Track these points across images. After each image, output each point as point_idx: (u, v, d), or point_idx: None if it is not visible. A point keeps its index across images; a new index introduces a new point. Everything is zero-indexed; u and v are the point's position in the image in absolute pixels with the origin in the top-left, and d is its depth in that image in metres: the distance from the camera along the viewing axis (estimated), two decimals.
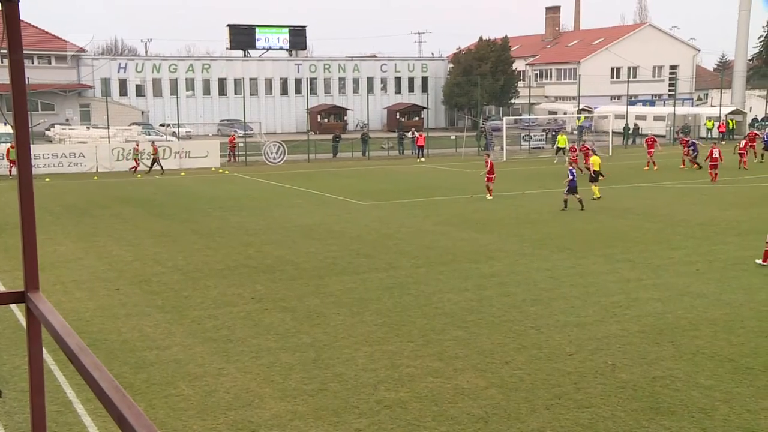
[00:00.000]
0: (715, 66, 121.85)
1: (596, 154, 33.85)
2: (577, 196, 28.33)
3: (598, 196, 30.94)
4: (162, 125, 70.46)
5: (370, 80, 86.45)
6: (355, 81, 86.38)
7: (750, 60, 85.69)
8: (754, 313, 14.78)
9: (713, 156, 36.57)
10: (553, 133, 61.54)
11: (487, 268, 19.07)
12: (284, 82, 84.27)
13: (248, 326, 14.45)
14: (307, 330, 14.17)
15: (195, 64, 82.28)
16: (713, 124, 65.78)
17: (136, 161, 44.46)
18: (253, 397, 11.02)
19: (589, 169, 32.19)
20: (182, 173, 44.49)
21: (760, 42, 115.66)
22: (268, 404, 10.79)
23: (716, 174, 36.19)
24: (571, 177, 28.30)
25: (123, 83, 78.63)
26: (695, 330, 13.80)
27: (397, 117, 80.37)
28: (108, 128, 51.28)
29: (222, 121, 77.18)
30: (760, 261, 18.79)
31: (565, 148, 47.20)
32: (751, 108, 76.41)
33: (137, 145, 45.71)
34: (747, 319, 14.44)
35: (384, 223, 26.08)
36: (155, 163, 44.28)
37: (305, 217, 27.59)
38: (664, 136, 61.00)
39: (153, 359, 12.65)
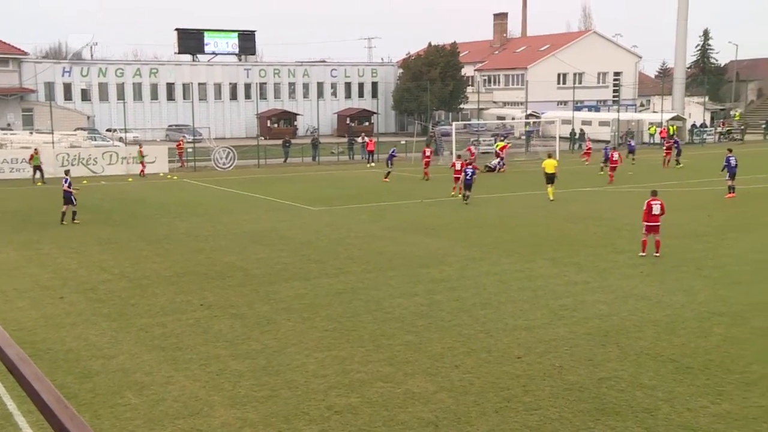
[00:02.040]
0: (657, 73, 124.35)
1: (551, 158, 34.48)
2: (468, 192, 31.64)
3: (552, 198, 32.06)
4: (108, 130, 69.29)
5: (320, 85, 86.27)
6: (305, 86, 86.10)
7: (689, 68, 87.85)
8: (694, 314, 15.15)
9: (613, 159, 39.52)
10: (502, 138, 62.22)
11: (437, 272, 19.18)
12: (233, 87, 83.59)
13: (197, 333, 14.30)
14: (257, 336, 14.08)
15: (142, 69, 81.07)
16: (655, 130, 67.44)
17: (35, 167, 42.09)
18: (202, 405, 10.91)
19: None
20: (129, 179, 43.84)
21: (698, 51, 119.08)
22: (217, 412, 10.69)
23: (613, 176, 38.77)
24: (467, 174, 31.69)
25: (68, 87, 77.10)
26: (639, 331, 14.08)
27: (348, 122, 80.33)
28: (52, 133, 50.25)
29: (170, 126, 76.23)
30: (641, 253, 20.42)
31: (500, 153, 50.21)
32: (690, 114, 78.18)
33: (35, 151, 43.36)
34: (687, 320, 14.78)
35: (334, 229, 26.05)
36: (37, 171, 41.47)
37: (255, 223, 27.41)
38: (608, 141, 61.94)
39: (99, 368, 12.44)
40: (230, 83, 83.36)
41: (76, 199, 27.66)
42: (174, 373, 12.23)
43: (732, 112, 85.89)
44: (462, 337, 13.88)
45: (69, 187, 27.45)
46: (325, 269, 19.67)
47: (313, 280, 18.51)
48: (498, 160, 46.91)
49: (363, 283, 18.16)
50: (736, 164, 32.57)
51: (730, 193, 32.08)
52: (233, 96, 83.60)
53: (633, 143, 52.94)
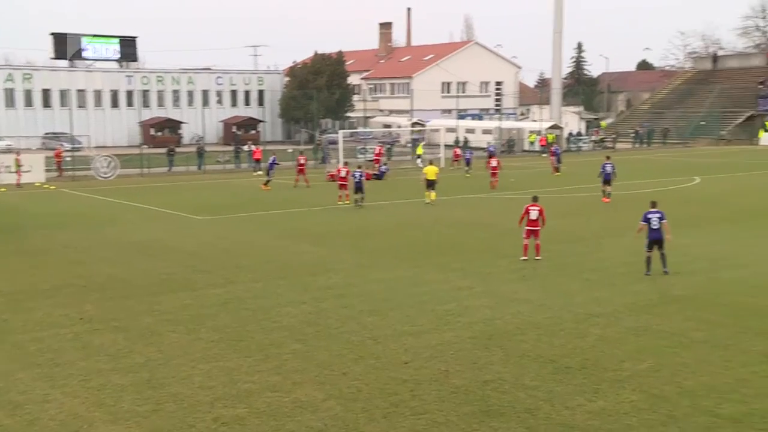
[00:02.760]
0: (536, 83, 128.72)
1: (432, 164, 35.24)
2: (358, 195, 32.66)
3: (428, 201, 33.58)
4: None
5: (205, 93, 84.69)
6: (190, 93, 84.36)
7: (564, 79, 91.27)
8: (572, 316, 15.73)
9: (492, 165, 41.07)
10: (388, 146, 62.96)
11: (325, 280, 19.17)
12: (114, 94, 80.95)
13: (76, 348, 13.76)
14: (141, 349, 13.68)
15: (14, 74, 77.44)
16: (535, 138, 69.72)
17: None
18: (82, 423, 10.50)
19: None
20: (2, 189, 41.77)
21: (572, 62, 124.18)
22: (98, 429, 10.31)
23: (495, 183, 40.04)
24: (357, 177, 32.85)
25: None
26: (522, 334, 14.49)
27: (234, 130, 79.20)
28: None
29: (47, 134, 73.06)
30: (523, 257, 21.04)
31: (421, 155, 53.89)
32: (567, 123, 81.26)
33: None
34: (566, 321, 15.33)
35: (221, 238, 25.67)
36: None
37: (139, 234, 26.65)
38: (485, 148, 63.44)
39: None
40: (111, 90, 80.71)
41: None
42: (51, 390, 11.71)
43: (601, 122, 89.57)
44: (350, 345, 13.91)
45: None
46: (211, 279, 19.35)
47: (200, 290, 18.17)
48: (384, 167, 47.45)
49: (250, 292, 17.95)
50: (612, 171, 34.11)
51: (605, 197, 33.81)
52: (114, 103, 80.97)
53: (492, 147, 54.00)
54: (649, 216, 19.41)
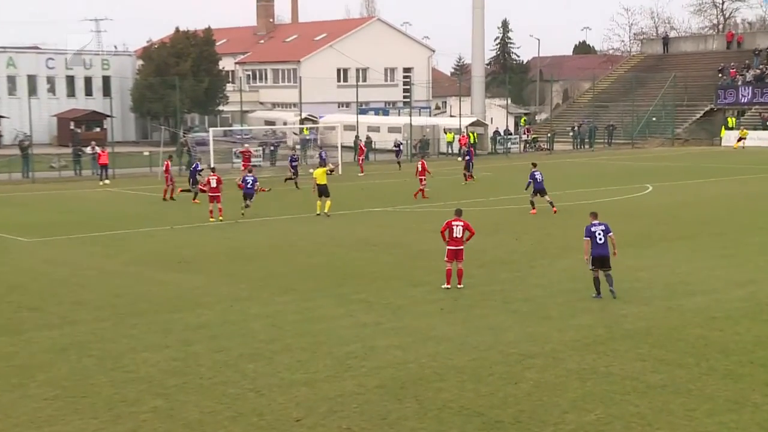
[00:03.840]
0: (453, 70, 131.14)
1: (322, 166, 35.46)
2: (248, 202, 33.94)
3: (319, 212, 33.97)
4: None
5: (31, 79, 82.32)
6: (11, 80, 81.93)
7: (488, 65, 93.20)
8: (502, 357, 15.98)
9: (419, 170, 41.47)
10: (272, 148, 62.76)
11: (193, 317, 18.94)
12: None
13: None
14: None
15: None
16: (454, 137, 70.37)
17: None
18: None
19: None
20: None
21: (497, 45, 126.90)
22: None
23: (424, 192, 40.62)
24: (248, 183, 34.19)
25: None
26: (441, 381, 14.62)
27: (72, 127, 77.47)
28: None
29: None
30: (445, 285, 21.36)
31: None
32: (492, 119, 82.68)
33: None
34: (495, 364, 15.57)
35: (56, 266, 25.13)
36: None
37: None
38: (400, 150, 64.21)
39: None
40: None
41: None
42: None
43: (521, 119, 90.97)
44: (226, 398, 13.76)
45: None
46: (44, 319, 18.89)
47: (27, 333, 17.72)
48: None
49: (96, 334, 17.61)
50: (542, 179, 35.06)
51: (534, 209, 34.80)
52: None
53: (324, 154, 54.39)
54: (593, 229, 20.12)
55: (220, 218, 33.45)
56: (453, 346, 16.65)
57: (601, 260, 19.99)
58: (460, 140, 68.45)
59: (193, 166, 42.48)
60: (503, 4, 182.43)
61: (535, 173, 35.27)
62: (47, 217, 35.96)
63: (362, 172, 54.32)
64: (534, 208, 35.00)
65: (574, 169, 57.81)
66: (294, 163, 47.63)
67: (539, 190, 35.05)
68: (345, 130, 64.25)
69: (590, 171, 56.45)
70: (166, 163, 42.95)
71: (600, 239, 19.96)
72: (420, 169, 41.33)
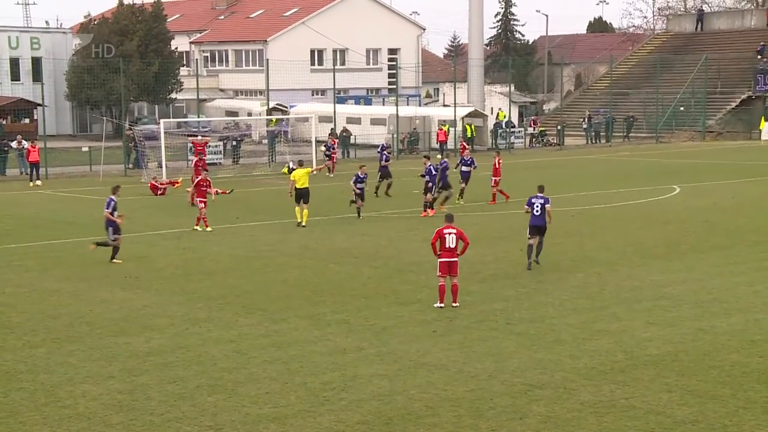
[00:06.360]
0: (446, 51, 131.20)
1: (302, 166, 35.27)
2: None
3: (300, 221, 33.58)
4: None
5: None
6: None
7: (487, 45, 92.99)
8: (506, 388, 16.02)
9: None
10: (234, 143, 62.52)
11: (142, 342, 18.91)
12: None
13: None
14: None
15: None
16: (449, 130, 69.83)
17: None
18: None
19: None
20: None
21: (498, 22, 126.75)
22: None
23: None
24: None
25: None
26: (434, 416, 14.65)
27: None
28: None
29: None
30: (438, 304, 21.55)
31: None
32: (492, 109, 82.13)
33: None
34: (497, 395, 15.60)
35: None
36: None
37: None
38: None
39: None
40: None
41: None
42: None
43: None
44: None
45: None
46: None
47: None
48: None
49: (25, 363, 17.58)
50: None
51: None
52: None
53: (385, 149, 53.43)
54: (533, 201, 25.77)
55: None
56: (447, 375, 16.67)
57: (537, 229, 25.54)
58: (438, 134, 67.47)
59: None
60: None
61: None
62: None
63: (332, 173, 52.01)
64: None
65: (588, 167, 57.85)
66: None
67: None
68: (320, 122, 64.15)
69: (607, 169, 56.51)
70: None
71: (537, 211, 25.40)
72: (497, 167, 39.98)
